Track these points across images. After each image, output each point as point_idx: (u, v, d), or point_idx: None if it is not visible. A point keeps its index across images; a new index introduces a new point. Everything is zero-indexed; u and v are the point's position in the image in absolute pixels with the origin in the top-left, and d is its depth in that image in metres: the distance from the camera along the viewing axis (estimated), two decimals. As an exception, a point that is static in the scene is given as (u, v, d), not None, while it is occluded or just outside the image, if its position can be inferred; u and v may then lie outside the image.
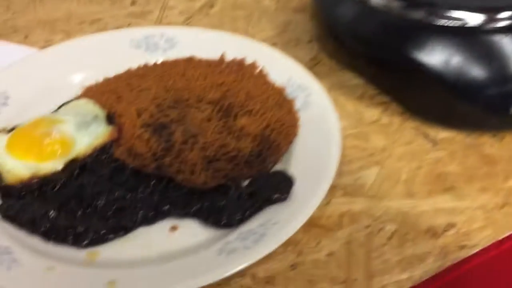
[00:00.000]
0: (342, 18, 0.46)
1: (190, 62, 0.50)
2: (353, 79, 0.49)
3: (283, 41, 0.55)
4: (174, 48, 0.51)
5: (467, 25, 0.39)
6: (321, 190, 0.35)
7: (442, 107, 0.42)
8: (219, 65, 0.49)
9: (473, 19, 0.39)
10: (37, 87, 0.46)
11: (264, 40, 0.55)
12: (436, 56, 0.40)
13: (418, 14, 0.41)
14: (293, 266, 0.34)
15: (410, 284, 0.33)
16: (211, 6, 0.61)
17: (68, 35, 0.56)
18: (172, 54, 0.51)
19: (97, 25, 0.58)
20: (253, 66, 0.48)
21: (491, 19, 0.39)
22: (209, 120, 0.45)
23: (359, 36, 0.45)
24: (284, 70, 0.47)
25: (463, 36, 0.39)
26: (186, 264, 0.33)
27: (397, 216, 0.37)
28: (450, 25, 0.40)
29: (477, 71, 0.39)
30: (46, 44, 0.55)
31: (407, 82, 0.43)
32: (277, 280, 0.34)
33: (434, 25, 0.40)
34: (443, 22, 0.40)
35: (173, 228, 0.37)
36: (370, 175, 0.40)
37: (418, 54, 0.40)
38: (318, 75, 0.48)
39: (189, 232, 0.36)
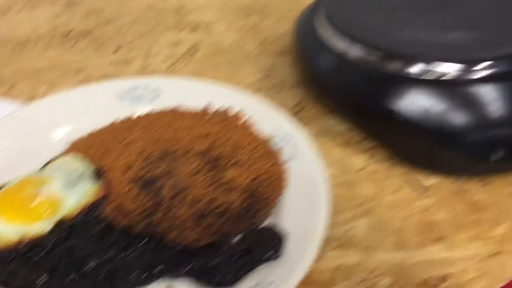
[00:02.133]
0: (322, 68, 0.47)
1: (175, 112, 0.50)
2: (338, 125, 0.49)
3: (268, 86, 0.55)
4: (158, 98, 0.51)
5: (444, 77, 0.40)
6: (313, 246, 0.35)
7: (426, 154, 0.42)
8: (204, 115, 0.50)
9: (451, 70, 0.40)
10: (21, 145, 0.46)
11: (248, 85, 0.55)
12: (415, 107, 0.41)
13: (395, 66, 0.42)
14: (290, 326, 0.34)
15: None
16: (195, 51, 0.61)
17: (52, 86, 0.56)
18: (157, 104, 0.51)
19: (81, 74, 0.58)
20: (238, 116, 0.49)
21: (469, 70, 0.40)
22: (197, 172, 0.45)
23: (339, 87, 0.45)
24: (270, 119, 0.47)
25: (441, 87, 0.40)
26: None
27: (391, 268, 0.37)
28: (428, 77, 0.41)
29: (456, 120, 0.40)
30: (30, 96, 0.54)
31: (389, 131, 0.44)
32: None
33: (412, 77, 0.41)
34: (420, 74, 0.41)
35: (167, 289, 0.36)
36: (361, 226, 0.40)
37: (398, 105, 0.41)
38: (304, 121, 0.48)
39: (184, 292, 0.36)
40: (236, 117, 0.49)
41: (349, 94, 0.45)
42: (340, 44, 0.45)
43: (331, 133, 0.49)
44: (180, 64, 0.60)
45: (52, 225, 0.40)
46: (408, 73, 0.42)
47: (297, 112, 0.51)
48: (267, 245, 0.36)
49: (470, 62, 0.41)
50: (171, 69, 0.59)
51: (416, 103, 0.41)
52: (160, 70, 0.59)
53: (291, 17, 0.59)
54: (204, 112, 0.50)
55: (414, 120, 0.41)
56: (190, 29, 0.65)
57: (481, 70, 0.41)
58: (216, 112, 0.50)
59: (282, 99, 0.53)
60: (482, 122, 0.40)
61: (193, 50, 0.62)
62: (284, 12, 0.67)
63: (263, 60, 0.59)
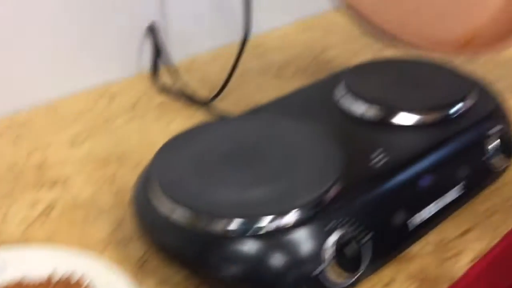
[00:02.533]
0: (152, 227, 0.52)
1: (20, 285, 0.52)
2: (176, 275, 0.53)
3: (117, 240, 0.59)
4: (5, 271, 0.54)
5: (258, 231, 0.47)
6: None
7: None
8: (48, 284, 0.52)
9: (263, 224, 0.47)
10: None
11: (100, 241, 0.59)
12: (233, 261, 0.47)
13: (214, 226, 0.48)
14: None
15: None
16: (51, 210, 0.64)
17: None
18: (4, 277, 0.53)
19: None
20: (79, 282, 0.52)
21: (277, 221, 0.47)
22: None
23: (168, 245, 0.50)
24: (108, 282, 0.51)
25: (256, 241, 0.47)
26: None
27: None
28: (244, 233, 0.47)
29: (269, 268, 0.46)
30: None
31: (216, 281, 0.49)
32: None
33: (229, 235, 0.47)
34: (236, 231, 0.47)
35: None
36: None
37: (219, 261, 0.47)
38: (146, 273, 0.52)
39: None
40: (78, 284, 0.52)
41: (177, 252, 0.50)
42: (165, 206, 0.51)
43: (170, 283, 0.53)
44: (35, 226, 0.62)
45: None
46: (227, 232, 0.48)
47: (141, 265, 0.55)
48: None
49: (277, 214, 0.48)
50: (25, 234, 0.61)
51: (234, 257, 0.47)
52: (15, 236, 0.61)
53: (144, 164, 0.63)
54: (48, 281, 0.53)
55: (233, 272, 0.47)
56: (49, 185, 0.69)
57: (288, 219, 0.48)
58: (59, 280, 0.53)
59: (129, 252, 0.57)
60: (290, 265, 0.47)
61: (49, 209, 0.65)
62: (138, 159, 0.72)
63: (115, 213, 0.63)
